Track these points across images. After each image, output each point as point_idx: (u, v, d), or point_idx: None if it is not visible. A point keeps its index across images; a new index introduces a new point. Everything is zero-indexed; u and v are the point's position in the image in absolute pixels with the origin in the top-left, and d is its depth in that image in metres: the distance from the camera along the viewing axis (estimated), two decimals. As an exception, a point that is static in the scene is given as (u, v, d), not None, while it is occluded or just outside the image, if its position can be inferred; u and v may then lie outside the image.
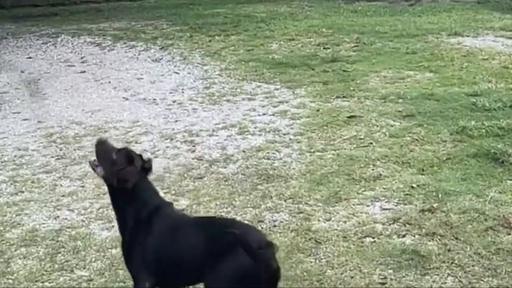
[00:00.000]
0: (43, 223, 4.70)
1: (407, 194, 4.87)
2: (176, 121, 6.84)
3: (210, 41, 10.67)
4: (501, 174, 5.11)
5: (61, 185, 5.35)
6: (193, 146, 6.11)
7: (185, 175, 5.43)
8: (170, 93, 7.90)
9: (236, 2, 15.08)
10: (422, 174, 5.19)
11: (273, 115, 6.86)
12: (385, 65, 8.60)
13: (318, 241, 4.27)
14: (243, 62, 9.14)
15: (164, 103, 7.48)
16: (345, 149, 5.81)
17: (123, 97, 7.81)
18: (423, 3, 14.11)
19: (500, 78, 7.68)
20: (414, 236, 4.27)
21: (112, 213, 4.36)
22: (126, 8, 15.02)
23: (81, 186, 5.31)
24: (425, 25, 11.17)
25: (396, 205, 4.72)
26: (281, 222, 4.55)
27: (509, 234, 4.24)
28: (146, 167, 3.34)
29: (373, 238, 4.28)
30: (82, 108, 7.42)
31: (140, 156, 3.38)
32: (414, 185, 4.99)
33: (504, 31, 10.49)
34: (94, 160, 3.37)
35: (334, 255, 4.10)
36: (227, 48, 10.06)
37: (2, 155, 6.08)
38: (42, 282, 3.97)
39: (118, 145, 3.68)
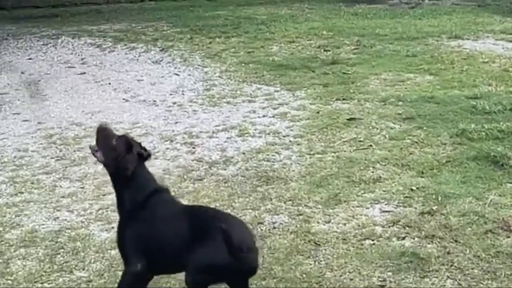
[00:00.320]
0: (43, 224, 4.70)
1: (406, 196, 4.87)
2: (176, 122, 6.84)
3: (210, 43, 10.68)
4: (501, 177, 5.11)
5: (61, 186, 5.35)
6: (193, 147, 6.11)
7: (185, 176, 5.43)
8: (170, 94, 7.90)
9: (237, 4, 15.10)
10: (422, 177, 5.19)
11: (273, 117, 6.86)
12: (385, 68, 8.61)
13: (318, 243, 4.27)
14: (243, 64, 9.14)
15: (164, 105, 7.48)
16: (345, 151, 5.82)
17: (123, 99, 7.81)
18: (424, 6, 14.13)
19: (500, 81, 7.69)
20: (413, 239, 4.27)
21: (111, 215, 4.38)
22: (126, 10, 15.04)
23: (81, 187, 5.31)
24: (425, 28, 11.19)
25: (395, 208, 4.72)
26: (281, 224, 4.55)
27: (509, 237, 4.24)
28: (144, 154, 3.48)
29: (373, 240, 4.28)
30: (82, 110, 7.42)
31: (139, 144, 3.51)
32: (414, 188, 4.99)
33: (504, 34, 10.51)
34: (95, 145, 3.49)
35: (333, 257, 4.10)
36: (227, 50, 10.06)
37: (2, 156, 6.08)
38: (41, 283, 3.97)
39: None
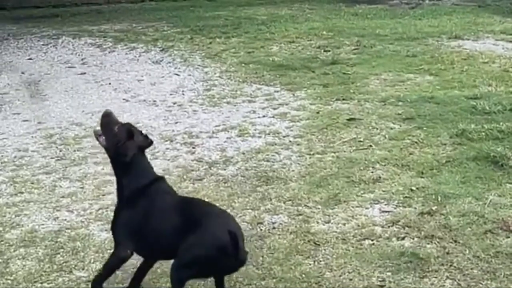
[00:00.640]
0: (43, 224, 4.70)
1: (406, 196, 4.87)
2: (176, 122, 6.85)
3: (210, 43, 10.68)
4: (501, 177, 5.11)
5: (61, 186, 5.35)
6: (193, 147, 6.11)
7: (185, 176, 5.43)
8: (170, 94, 7.90)
9: (237, 4, 15.11)
10: (422, 177, 5.19)
11: (273, 117, 6.87)
12: (385, 68, 8.61)
13: (317, 243, 4.27)
14: (243, 64, 9.15)
15: (164, 105, 7.49)
16: (344, 151, 5.82)
17: (123, 99, 7.82)
18: (424, 6, 14.14)
19: (500, 82, 7.69)
20: (413, 239, 4.27)
21: (111, 215, 4.35)
22: (127, 10, 15.04)
23: (81, 187, 5.31)
24: (425, 28, 11.19)
25: (395, 208, 4.72)
26: (280, 224, 4.55)
27: (508, 237, 4.24)
28: (144, 143, 3.63)
29: (372, 240, 4.28)
30: (82, 110, 7.43)
31: (140, 132, 3.64)
32: (414, 188, 4.99)
33: (504, 34, 10.51)
34: (99, 130, 3.63)
35: (333, 257, 4.10)
36: (227, 50, 10.07)
37: (2, 156, 6.08)
38: (41, 283, 3.97)
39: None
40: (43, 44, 11.13)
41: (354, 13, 13.25)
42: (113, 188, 4.34)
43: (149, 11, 14.75)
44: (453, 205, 4.67)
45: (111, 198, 4.80)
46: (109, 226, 4.49)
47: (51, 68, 9.50)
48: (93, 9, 15.28)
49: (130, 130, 3.59)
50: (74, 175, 5.56)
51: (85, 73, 9.15)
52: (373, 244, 4.24)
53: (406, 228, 4.41)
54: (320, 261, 4.07)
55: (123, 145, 3.55)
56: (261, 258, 4.10)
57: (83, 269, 4.09)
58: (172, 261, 3.44)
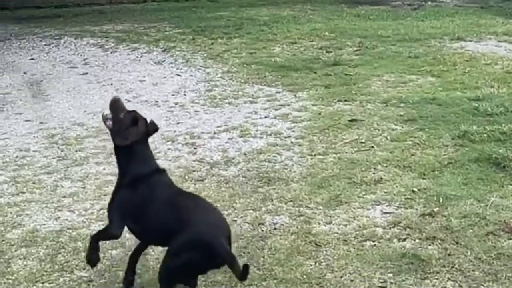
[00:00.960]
0: (44, 224, 4.70)
1: (408, 198, 4.87)
2: (178, 123, 6.85)
3: (212, 44, 10.69)
4: (503, 179, 5.11)
5: (62, 186, 5.35)
6: (195, 148, 6.11)
7: (186, 177, 5.43)
8: (172, 95, 7.91)
9: (239, 5, 15.12)
10: (423, 178, 5.18)
11: (275, 118, 6.86)
12: (387, 69, 8.61)
13: (318, 244, 4.27)
14: (245, 65, 9.15)
15: (166, 105, 7.49)
16: (346, 152, 5.81)
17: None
18: (426, 7, 14.14)
19: (503, 83, 7.68)
20: (414, 240, 4.27)
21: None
22: (129, 11, 15.06)
23: (82, 187, 5.31)
24: (427, 30, 11.19)
25: (396, 209, 4.72)
26: (282, 225, 4.55)
27: (510, 239, 4.23)
28: (149, 129, 3.75)
29: (373, 241, 4.28)
30: (84, 110, 7.43)
31: (145, 119, 3.76)
32: (415, 189, 4.98)
33: (507, 36, 10.51)
34: (107, 114, 3.77)
35: (334, 258, 4.10)
36: (229, 51, 10.07)
37: (4, 155, 6.08)
38: (42, 283, 3.97)
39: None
40: (45, 44, 11.14)
41: (356, 14, 13.26)
42: (114, 188, 4.33)
43: (151, 11, 14.76)
44: (455, 207, 4.66)
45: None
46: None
47: (53, 68, 9.51)
48: (95, 10, 15.29)
49: (135, 117, 3.73)
50: (76, 175, 5.56)
51: (87, 73, 9.16)
52: (375, 245, 4.24)
53: (408, 230, 4.40)
54: (321, 262, 4.07)
55: (126, 130, 3.67)
56: (262, 259, 4.10)
57: (84, 269, 4.09)
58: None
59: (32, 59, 10.19)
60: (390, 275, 3.90)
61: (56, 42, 11.26)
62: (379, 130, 6.34)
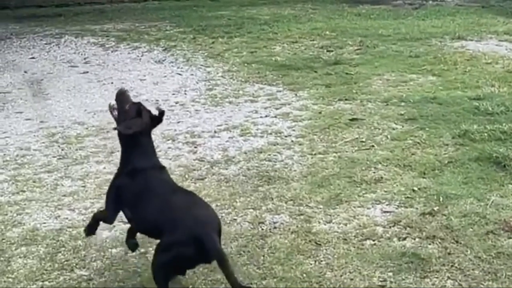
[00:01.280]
0: (44, 223, 4.70)
1: (408, 197, 4.87)
2: (178, 122, 6.85)
3: (213, 43, 10.69)
4: (503, 178, 5.11)
5: (63, 185, 5.36)
6: (195, 147, 6.11)
7: (187, 176, 5.43)
8: (173, 94, 7.91)
9: (240, 4, 15.11)
10: (424, 177, 5.18)
11: (275, 117, 6.86)
12: (388, 68, 8.61)
13: (318, 243, 4.27)
14: (246, 64, 9.15)
15: (167, 104, 7.48)
16: (346, 151, 5.81)
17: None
18: (427, 6, 14.13)
19: (503, 82, 7.68)
20: (414, 239, 4.27)
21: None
22: (129, 10, 15.05)
23: (82, 186, 5.31)
24: (428, 29, 11.18)
25: (397, 208, 4.72)
26: (282, 223, 4.55)
27: (510, 238, 4.23)
28: (153, 121, 3.86)
29: (374, 240, 4.28)
30: (85, 109, 7.43)
31: (149, 111, 3.87)
32: (415, 188, 4.98)
33: (508, 35, 10.50)
34: (114, 104, 3.90)
35: (334, 257, 4.10)
36: (230, 50, 10.07)
37: (4, 154, 6.08)
38: (42, 281, 3.97)
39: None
40: (45, 43, 11.14)
41: (357, 14, 13.25)
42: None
43: (152, 10, 14.77)
44: (455, 206, 4.66)
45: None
46: (110, 225, 4.52)
47: (54, 67, 9.51)
48: (96, 9, 15.30)
49: (139, 109, 3.84)
50: (76, 174, 5.57)
51: (87, 72, 9.16)
52: (375, 244, 4.23)
53: (408, 229, 4.40)
54: (321, 261, 4.07)
55: (130, 121, 3.79)
56: (262, 258, 4.10)
57: (84, 267, 4.09)
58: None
59: (33, 58, 10.19)
60: (390, 274, 3.90)
61: (56, 41, 11.27)
62: (379, 129, 6.34)
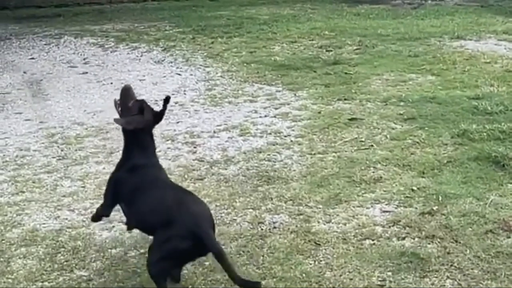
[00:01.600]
0: (44, 223, 4.70)
1: (407, 196, 4.87)
2: (178, 122, 6.85)
3: (212, 43, 10.69)
4: (502, 177, 5.11)
5: (62, 186, 5.36)
6: (194, 147, 6.12)
7: (186, 176, 5.44)
8: (172, 94, 7.89)
9: (239, 4, 15.12)
10: (423, 177, 5.19)
11: (275, 117, 6.87)
12: (387, 68, 8.61)
13: (318, 243, 4.27)
14: (245, 64, 9.15)
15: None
16: (346, 151, 5.82)
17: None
18: (426, 6, 14.14)
19: (502, 82, 7.68)
20: (413, 239, 4.27)
21: (112, 214, 4.37)
22: (129, 10, 15.06)
23: (82, 187, 5.32)
24: (427, 28, 11.19)
25: (396, 208, 4.72)
26: (281, 223, 4.55)
27: (509, 237, 4.24)
28: (155, 117, 3.99)
29: (373, 240, 4.28)
30: (84, 109, 7.44)
31: (152, 109, 4.00)
32: (415, 188, 4.99)
33: (507, 34, 10.50)
34: (118, 99, 4.03)
35: (333, 257, 4.10)
36: (229, 50, 10.07)
37: (4, 155, 6.09)
38: (42, 282, 3.98)
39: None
40: (45, 44, 11.15)
41: (356, 13, 13.26)
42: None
43: (151, 11, 14.77)
44: (454, 205, 4.66)
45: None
46: (110, 225, 4.54)
47: (53, 68, 9.52)
48: (95, 9, 15.30)
49: (141, 106, 3.94)
50: (76, 174, 5.57)
51: (87, 72, 9.16)
52: (374, 244, 4.24)
53: (407, 228, 4.41)
54: (321, 260, 4.07)
55: (131, 117, 3.89)
56: (261, 258, 4.10)
57: (83, 268, 4.10)
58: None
59: (32, 58, 10.20)
60: (389, 273, 3.90)
61: (56, 42, 11.27)
62: (378, 129, 6.35)
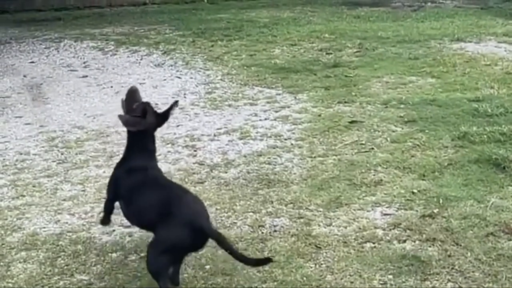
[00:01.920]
0: (44, 227, 4.70)
1: (408, 199, 4.87)
2: (178, 125, 6.84)
3: (212, 46, 10.69)
4: (503, 180, 5.11)
5: (62, 189, 5.35)
6: (195, 150, 6.11)
7: (186, 179, 5.43)
8: (172, 97, 7.88)
9: (239, 7, 15.11)
10: (423, 180, 5.18)
11: (275, 120, 6.86)
12: (387, 71, 8.61)
13: (318, 246, 4.27)
14: (245, 67, 9.15)
15: (166, 108, 7.46)
16: (346, 154, 5.81)
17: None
18: (426, 8, 14.13)
19: (503, 84, 7.68)
20: (414, 242, 4.27)
21: (113, 218, 4.37)
22: (129, 13, 15.05)
23: (82, 190, 5.31)
24: (427, 31, 11.18)
25: (396, 211, 4.71)
26: (282, 227, 4.55)
27: (510, 240, 4.23)
28: (157, 118, 4.11)
29: (374, 243, 4.28)
30: (84, 113, 7.43)
31: (155, 112, 4.12)
32: (415, 191, 4.98)
33: (507, 37, 10.49)
34: (125, 100, 4.13)
35: (334, 260, 4.10)
36: (229, 53, 10.07)
37: (4, 159, 6.08)
38: (42, 286, 3.97)
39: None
40: (45, 48, 11.14)
41: (356, 16, 13.25)
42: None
43: (151, 14, 14.77)
44: (455, 208, 4.66)
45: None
46: (111, 229, 4.54)
47: (53, 71, 9.51)
48: (95, 12, 15.29)
49: (144, 109, 4.04)
50: (76, 178, 5.57)
51: (87, 76, 9.16)
52: (375, 247, 4.23)
53: (408, 231, 4.40)
54: (321, 264, 4.07)
55: (133, 118, 4.00)
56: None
57: (84, 272, 4.09)
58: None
59: (32, 62, 10.19)
60: (390, 276, 3.90)
61: (56, 45, 11.26)
62: (379, 131, 6.34)
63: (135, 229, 4.53)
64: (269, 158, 5.81)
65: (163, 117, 4.15)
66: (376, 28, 11.62)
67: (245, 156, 5.88)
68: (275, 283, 3.87)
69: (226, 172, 5.55)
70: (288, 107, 7.28)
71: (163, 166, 5.63)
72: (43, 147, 6.36)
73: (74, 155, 6.11)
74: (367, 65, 8.95)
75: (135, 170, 3.96)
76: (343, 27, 11.89)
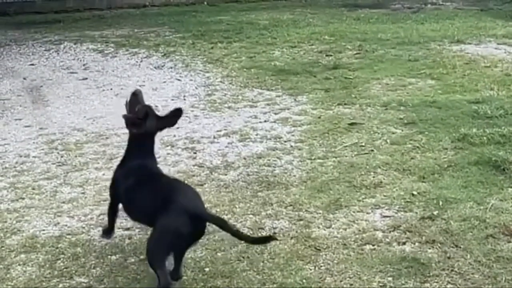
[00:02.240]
0: (43, 230, 4.69)
1: (407, 201, 4.86)
2: (177, 128, 6.79)
3: (212, 48, 10.69)
4: (502, 181, 5.10)
5: (62, 192, 5.35)
6: (194, 153, 6.11)
7: (186, 182, 5.40)
8: (172, 100, 7.90)
9: (239, 9, 15.14)
10: (423, 182, 5.18)
11: (275, 122, 6.86)
12: (387, 73, 8.61)
13: (318, 248, 4.27)
14: (245, 69, 9.15)
15: (166, 110, 7.44)
16: (346, 156, 5.81)
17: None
18: (426, 10, 14.15)
19: (502, 86, 7.69)
20: (414, 244, 4.26)
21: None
22: (129, 15, 15.06)
23: (82, 193, 5.31)
24: (427, 33, 11.19)
25: (396, 213, 4.71)
26: (281, 229, 4.54)
27: (510, 242, 4.23)
28: (158, 121, 4.20)
29: (373, 245, 4.27)
30: (84, 115, 7.43)
31: (156, 116, 4.20)
32: (415, 193, 4.98)
33: (506, 38, 10.51)
34: (128, 101, 4.21)
35: (333, 262, 4.09)
36: (229, 55, 10.08)
37: (3, 161, 6.08)
38: (41, 289, 3.97)
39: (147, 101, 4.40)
40: (45, 50, 11.14)
41: (356, 18, 13.26)
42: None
43: (150, 16, 14.77)
44: (454, 210, 4.66)
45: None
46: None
47: (53, 74, 9.51)
48: (95, 15, 15.30)
49: (146, 112, 4.11)
50: (75, 180, 5.56)
51: (86, 78, 9.16)
52: (374, 249, 4.23)
53: (407, 233, 4.40)
54: (321, 266, 4.06)
55: (134, 120, 4.09)
56: (261, 264, 4.10)
57: (83, 274, 4.09)
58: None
59: (32, 64, 10.19)
60: (390, 278, 3.89)
61: (56, 48, 11.27)
62: (379, 133, 6.34)
63: (135, 231, 4.54)
64: (269, 160, 5.81)
65: (164, 121, 4.25)
66: (376, 30, 11.63)
67: (244, 158, 5.88)
68: (275, 285, 3.87)
69: (225, 174, 5.54)
70: (288, 109, 7.28)
71: (163, 168, 5.61)
72: (42, 149, 6.36)
73: (73, 157, 6.11)
74: (367, 67, 8.96)
75: (134, 169, 4.07)
76: (343, 29, 11.90)
